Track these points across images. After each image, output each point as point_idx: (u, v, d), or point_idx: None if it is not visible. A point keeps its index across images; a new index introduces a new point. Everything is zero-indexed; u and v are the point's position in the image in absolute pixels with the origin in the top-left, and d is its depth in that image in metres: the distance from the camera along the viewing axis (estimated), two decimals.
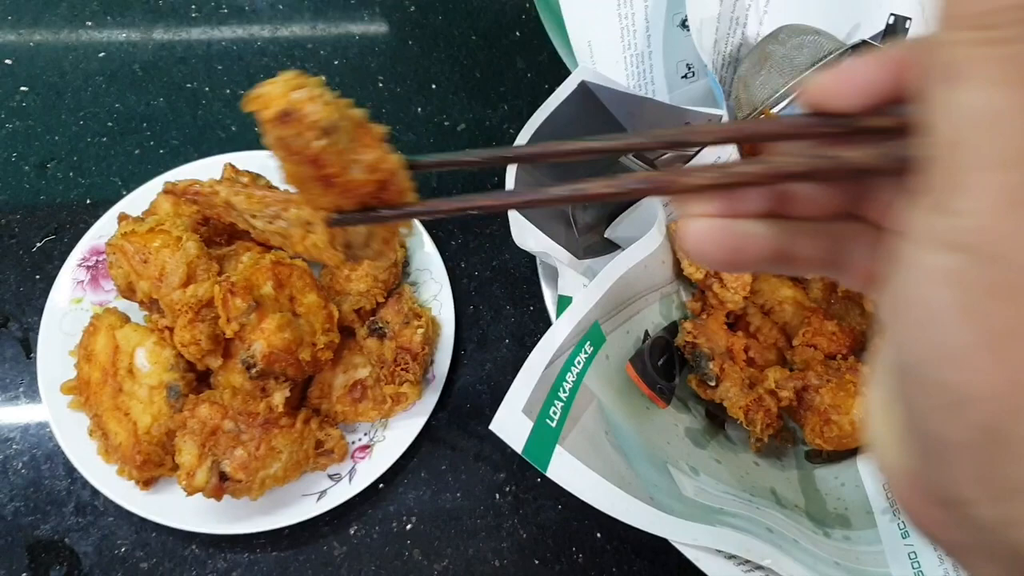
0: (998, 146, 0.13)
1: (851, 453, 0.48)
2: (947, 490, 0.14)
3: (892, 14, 0.50)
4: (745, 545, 0.37)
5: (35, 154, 0.62)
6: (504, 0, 0.72)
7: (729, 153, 0.42)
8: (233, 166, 0.55)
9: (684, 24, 0.52)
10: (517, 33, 0.71)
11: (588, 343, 0.43)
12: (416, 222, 0.57)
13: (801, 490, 0.48)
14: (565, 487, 0.37)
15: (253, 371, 0.46)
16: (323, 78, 0.18)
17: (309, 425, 0.49)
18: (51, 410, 0.49)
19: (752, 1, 0.54)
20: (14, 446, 0.51)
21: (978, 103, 0.13)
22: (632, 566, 0.50)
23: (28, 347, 0.54)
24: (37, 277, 0.57)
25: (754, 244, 0.19)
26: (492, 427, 0.37)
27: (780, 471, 0.49)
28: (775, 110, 0.49)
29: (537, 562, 0.50)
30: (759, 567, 0.37)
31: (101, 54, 0.66)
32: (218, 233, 0.54)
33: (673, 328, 0.51)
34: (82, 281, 0.54)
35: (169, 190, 0.52)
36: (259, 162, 0.56)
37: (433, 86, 0.68)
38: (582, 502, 0.37)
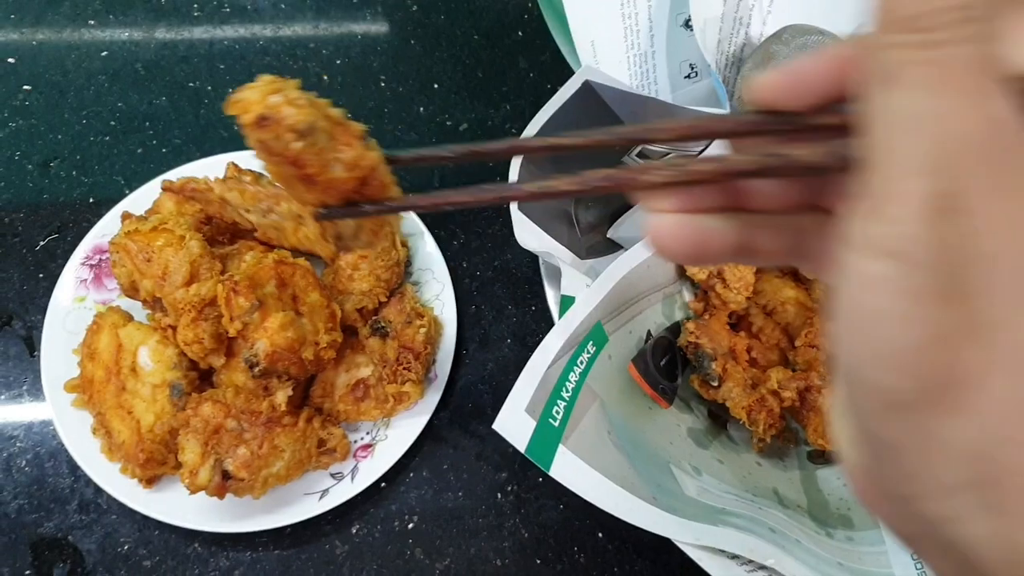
0: (923, 152, 0.13)
1: None
2: (894, 487, 0.14)
3: None
4: (748, 545, 0.37)
5: (38, 153, 0.62)
6: None
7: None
8: (236, 165, 0.55)
9: (687, 24, 0.52)
10: (519, 33, 0.71)
11: (591, 343, 0.43)
12: (419, 223, 0.58)
13: (803, 490, 0.48)
14: (568, 487, 0.37)
15: (256, 370, 0.46)
16: (300, 80, 0.18)
17: (312, 424, 0.49)
18: (55, 408, 0.49)
19: (756, 1, 0.54)
20: (18, 444, 0.51)
21: (910, 107, 0.13)
22: (634, 566, 0.50)
23: (32, 345, 0.54)
24: (40, 275, 0.57)
25: (716, 238, 0.19)
26: (495, 426, 0.37)
27: (782, 471, 0.49)
28: None
29: (539, 561, 0.50)
30: (762, 567, 0.37)
31: (104, 53, 0.66)
32: (221, 232, 0.54)
33: (676, 328, 0.51)
34: (85, 280, 0.54)
35: (167, 187, 0.52)
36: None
37: (435, 86, 0.68)
38: (584, 502, 0.37)
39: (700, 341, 0.49)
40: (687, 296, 0.55)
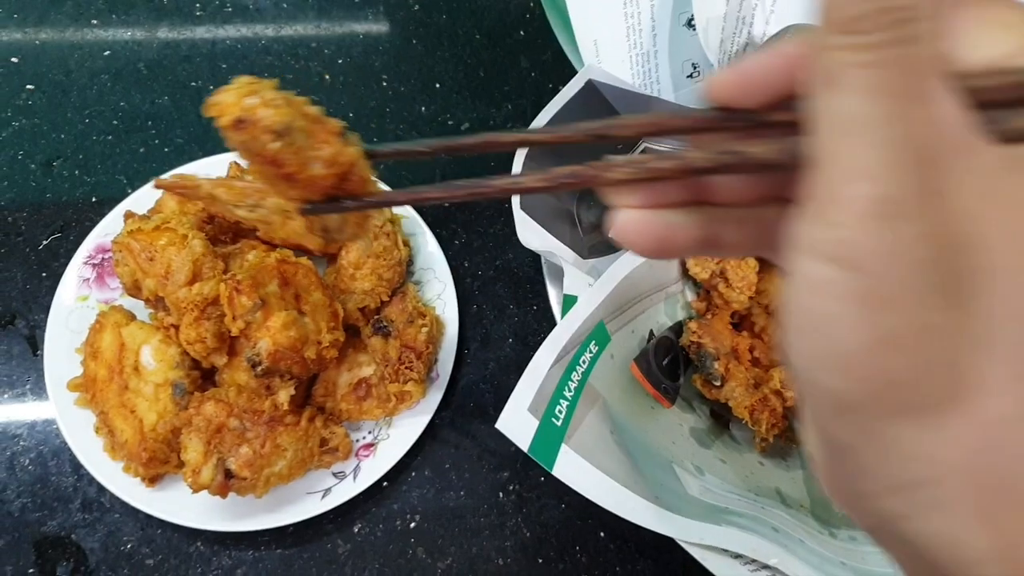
0: (863, 156, 0.13)
1: None
2: (851, 484, 0.15)
3: None
4: (751, 544, 0.37)
5: (41, 152, 0.62)
6: None
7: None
8: (238, 164, 0.55)
9: (690, 23, 0.52)
10: (521, 32, 0.71)
11: (593, 342, 0.43)
12: (421, 222, 0.58)
13: (806, 490, 0.48)
14: (571, 486, 0.37)
15: (258, 369, 0.46)
16: (277, 80, 0.19)
17: (314, 423, 0.49)
18: (58, 407, 0.49)
19: (759, 1, 0.54)
20: (21, 443, 0.51)
21: (850, 111, 0.13)
22: (636, 565, 0.50)
23: (35, 344, 0.55)
24: (43, 275, 0.57)
25: (680, 233, 0.19)
26: (498, 425, 0.37)
27: (785, 471, 0.49)
28: None
29: (540, 561, 0.50)
30: (765, 566, 0.37)
31: (106, 52, 0.67)
32: (223, 231, 0.54)
33: (678, 328, 0.51)
34: (88, 279, 0.54)
35: (158, 184, 0.52)
36: None
37: (437, 85, 0.68)
38: (585, 501, 0.37)
39: (702, 341, 0.49)
40: (689, 295, 0.55)
